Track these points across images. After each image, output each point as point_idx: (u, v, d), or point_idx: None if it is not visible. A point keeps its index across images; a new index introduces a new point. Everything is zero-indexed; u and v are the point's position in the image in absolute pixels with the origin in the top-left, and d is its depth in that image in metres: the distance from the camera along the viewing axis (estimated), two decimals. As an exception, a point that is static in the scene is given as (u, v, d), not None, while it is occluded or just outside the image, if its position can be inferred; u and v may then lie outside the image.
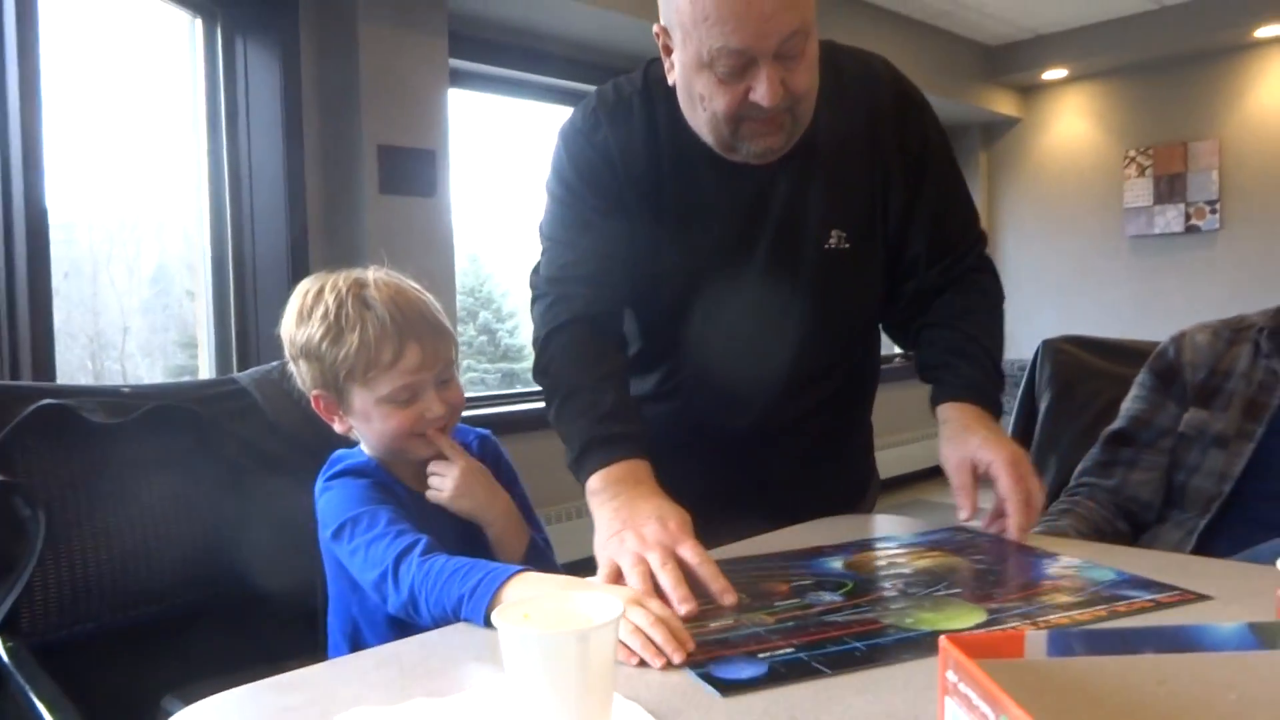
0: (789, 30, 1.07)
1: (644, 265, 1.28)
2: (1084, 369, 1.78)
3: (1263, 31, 5.14)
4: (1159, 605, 0.88)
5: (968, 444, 1.16)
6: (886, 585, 0.98)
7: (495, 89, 4.07)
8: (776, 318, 1.30)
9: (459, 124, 3.71)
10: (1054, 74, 5.91)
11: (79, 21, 2.54)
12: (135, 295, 2.99)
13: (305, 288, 1.15)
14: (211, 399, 1.36)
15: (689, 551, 0.95)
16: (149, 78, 2.91)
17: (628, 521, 1.00)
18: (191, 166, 2.95)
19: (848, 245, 1.27)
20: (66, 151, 2.45)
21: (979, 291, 1.33)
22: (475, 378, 4.39)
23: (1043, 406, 1.76)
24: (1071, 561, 1.04)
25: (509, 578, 0.90)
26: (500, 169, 4.34)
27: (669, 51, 1.18)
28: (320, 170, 3.19)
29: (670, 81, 1.21)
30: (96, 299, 2.85)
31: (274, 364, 1.49)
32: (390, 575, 0.99)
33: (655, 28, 1.19)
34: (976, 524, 1.19)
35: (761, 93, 1.09)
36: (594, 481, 1.09)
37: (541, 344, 1.23)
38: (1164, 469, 1.46)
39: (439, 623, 0.94)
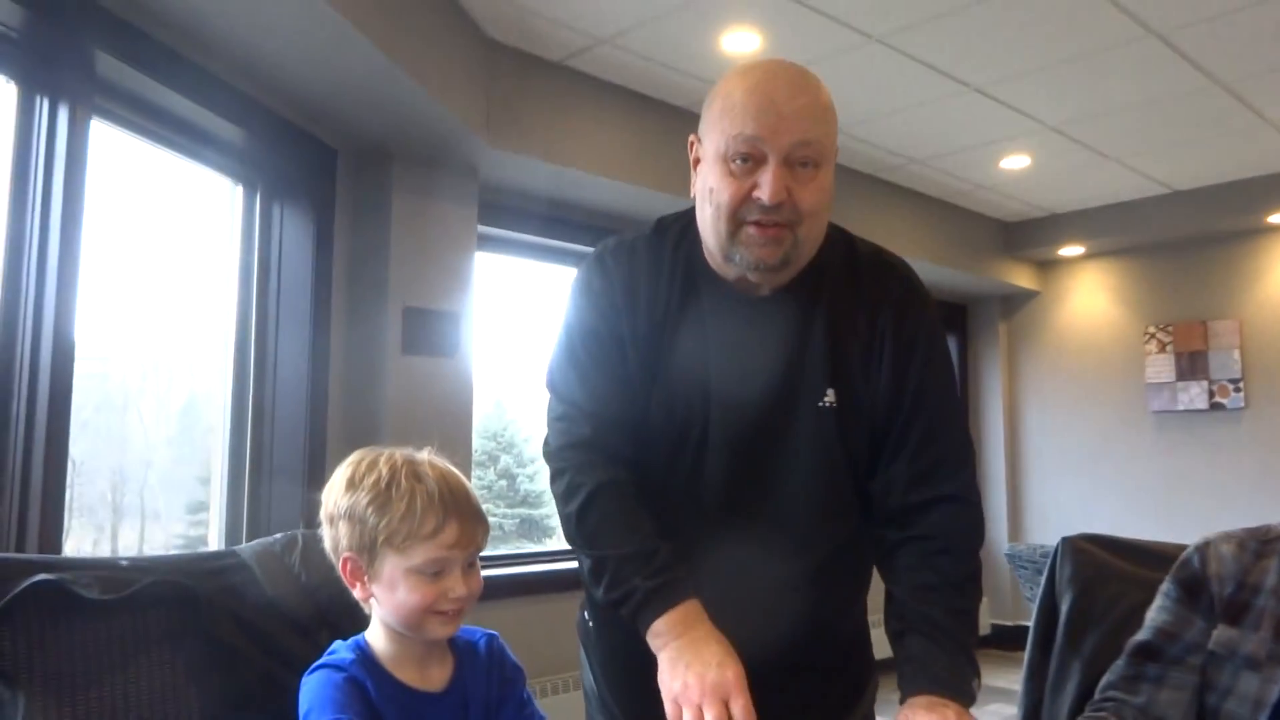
0: (803, 136, 1.20)
1: (639, 413, 1.31)
2: (1106, 570, 1.72)
3: (1276, 218, 5.24)
4: None
5: (912, 708, 1.17)
6: None
7: (519, 252, 4.19)
8: (765, 471, 1.29)
9: (483, 283, 3.80)
10: (1070, 250, 6.02)
11: (126, 179, 2.67)
12: (162, 429, 3.03)
13: (358, 458, 1.20)
14: (210, 573, 1.34)
15: (739, 710, 1.07)
16: (189, 232, 3.04)
17: (690, 664, 1.12)
18: (223, 316, 3.03)
19: (835, 405, 1.28)
20: (104, 290, 2.53)
21: (948, 556, 1.28)
22: (494, 522, 4.31)
23: (1064, 608, 1.70)
24: None
25: None
26: (523, 326, 4.42)
27: (697, 163, 1.31)
28: (345, 328, 3.26)
29: (692, 194, 1.31)
30: (124, 430, 2.88)
31: (277, 536, 1.47)
32: None
33: (690, 138, 1.34)
34: None
35: (765, 188, 1.19)
36: (658, 625, 1.18)
37: (576, 518, 1.28)
38: (1194, 689, 1.39)
39: None
